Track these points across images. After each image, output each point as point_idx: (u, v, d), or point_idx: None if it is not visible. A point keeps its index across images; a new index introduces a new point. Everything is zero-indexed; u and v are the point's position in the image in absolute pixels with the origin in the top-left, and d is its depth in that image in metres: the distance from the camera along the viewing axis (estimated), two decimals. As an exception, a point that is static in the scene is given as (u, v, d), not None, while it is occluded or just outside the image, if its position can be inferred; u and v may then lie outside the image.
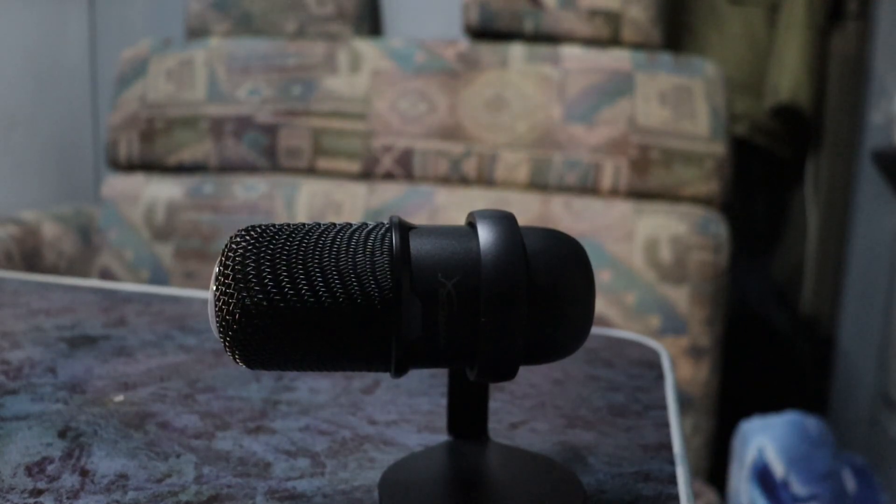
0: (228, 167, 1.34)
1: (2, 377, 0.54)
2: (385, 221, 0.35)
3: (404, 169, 1.29)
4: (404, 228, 0.34)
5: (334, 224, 0.35)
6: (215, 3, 1.40)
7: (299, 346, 0.33)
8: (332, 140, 1.31)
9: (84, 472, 0.41)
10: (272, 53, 1.34)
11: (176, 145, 1.35)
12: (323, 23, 1.38)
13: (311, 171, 1.33)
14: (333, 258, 0.33)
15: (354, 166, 1.31)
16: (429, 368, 0.35)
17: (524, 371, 0.59)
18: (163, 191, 1.33)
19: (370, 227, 0.35)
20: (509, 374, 0.34)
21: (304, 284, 0.32)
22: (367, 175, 1.32)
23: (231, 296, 0.33)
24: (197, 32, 1.42)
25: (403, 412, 0.51)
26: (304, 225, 0.34)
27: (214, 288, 0.33)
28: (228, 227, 1.28)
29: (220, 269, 0.33)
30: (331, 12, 1.38)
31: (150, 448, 0.44)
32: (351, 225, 0.35)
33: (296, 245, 0.33)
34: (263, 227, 0.34)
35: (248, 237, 0.34)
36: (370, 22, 1.45)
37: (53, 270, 1.32)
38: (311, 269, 0.33)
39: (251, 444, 0.45)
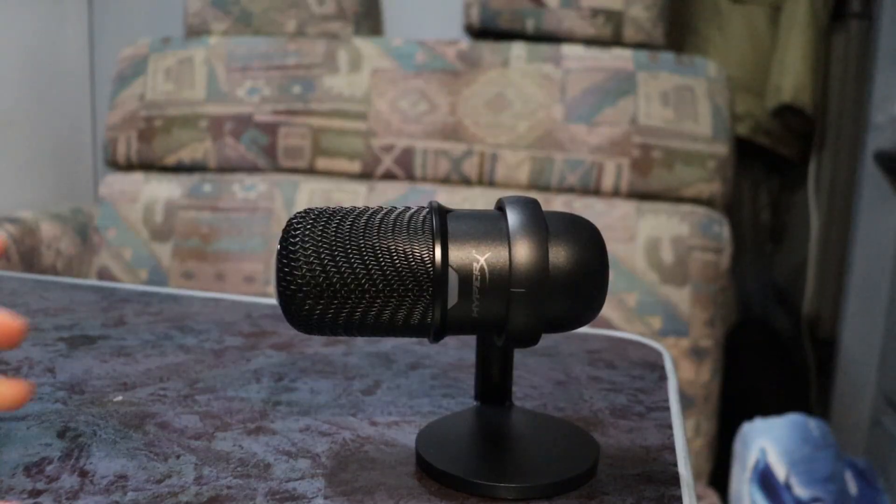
0: (227, 166, 1.33)
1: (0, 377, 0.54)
2: (425, 206, 0.40)
3: (405, 169, 1.29)
4: (443, 211, 0.39)
5: (380, 207, 0.40)
6: (215, 1, 1.40)
7: (351, 314, 0.38)
8: (332, 139, 1.30)
9: (83, 473, 0.41)
10: (272, 52, 1.34)
11: (175, 144, 1.34)
12: (323, 21, 1.38)
13: (311, 171, 1.32)
14: (380, 236, 0.38)
15: (354, 166, 1.31)
16: (461, 335, 0.39)
17: (525, 372, 0.59)
18: (161, 190, 1.33)
19: (412, 210, 0.39)
20: (533, 341, 0.38)
21: (357, 259, 0.37)
22: (367, 175, 1.31)
23: (291, 271, 0.37)
24: (196, 31, 1.41)
25: (404, 413, 0.50)
26: (353, 208, 0.39)
27: (277, 264, 0.38)
28: (227, 226, 1.27)
29: (281, 248, 0.38)
30: (331, 11, 1.37)
31: (150, 449, 0.44)
32: (394, 208, 0.40)
33: (347, 225, 0.38)
34: (319, 210, 0.39)
35: (305, 219, 0.38)
36: (370, 21, 1.45)
37: (51, 270, 1.31)
38: (361, 245, 0.37)
39: (251, 445, 0.45)
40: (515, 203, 0.39)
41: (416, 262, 0.37)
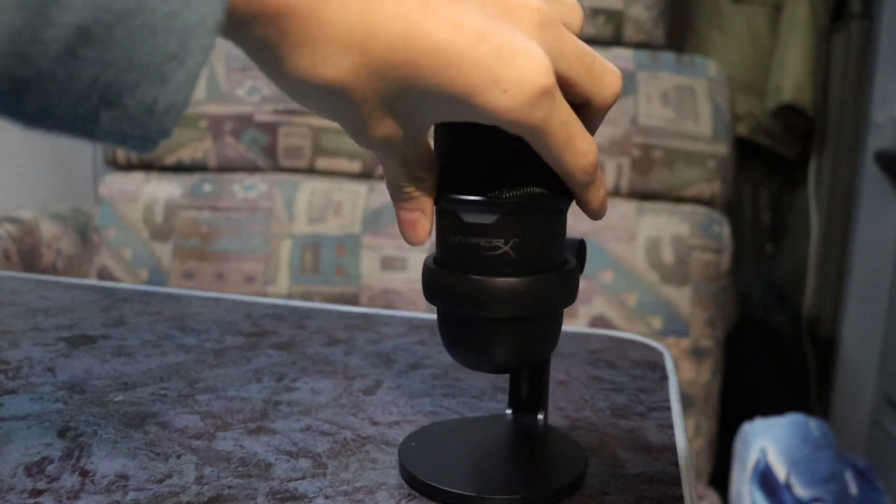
0: (227, 166, 1.33)
1: (1, 376, 0.54)
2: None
3: (405, 168, 1.28)
4: (540, 199, 0.37)
5: None
6: (215, 1, 1.39)
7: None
8: (331, 139, 1.30)
9: (84, 473, 0.41)
10: (272, 52, 1.33)
11: (175, 144, 1.34)
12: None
13: (311, 171, 1.32)
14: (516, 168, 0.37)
15: (354, 165, 1.31)
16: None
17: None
18: (161, 190, 1.33)
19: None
20: (424, 288, 0.39)
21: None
22: (367, 174, 1.31)
23: None
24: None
25: (405, 413, 0.50)
26: None
27: None
28: (227, 226, 1.27)
29: None
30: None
31: (151, 448, 0.44)
32: None
33: None
34: None
35: None
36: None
37: (51, 270, 1.31)
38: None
39: (252, 445, 0.45)
40: (565, 280, 0.38)
41: (503, 184, 0.36)
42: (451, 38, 0.30)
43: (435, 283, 0.38)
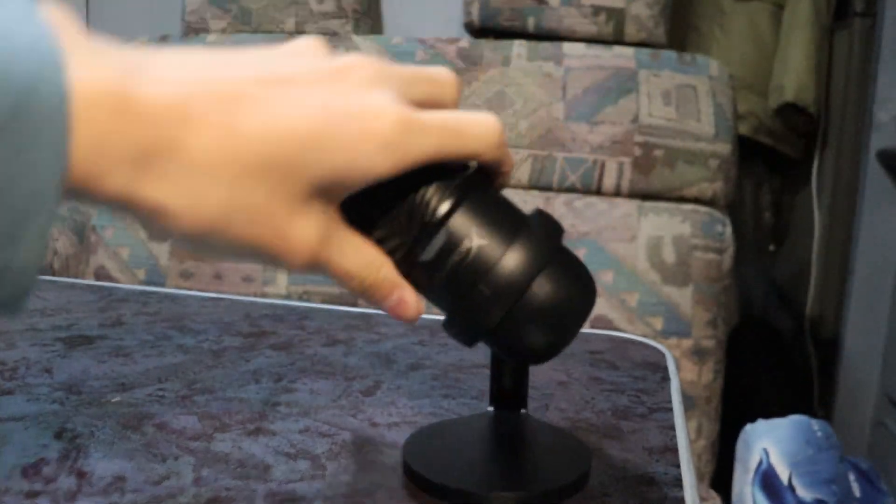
0: (228, 165, 1.33)
1: (-4, 377, 0.54)
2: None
3: (405, 168, 1.28)
4: (479, 185, 0.37)
5: None
6: None
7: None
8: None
9: (81, 474, 0.41)
10: (272, 51, 1.33)
11: (175, 143, 1.34)
12: (322, 19, 1.37)
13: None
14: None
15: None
16: (421, 294, 0.38)
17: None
18: (162, 189, 1.32)
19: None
20: (468, 342, 0.38)
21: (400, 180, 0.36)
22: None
23: None
24: (195, 29, 1.41)
25: (405, 414, 0.50)
26: None
27: None
28: (228, 225, 1.27)
29: None
30: (330, 9, 1.37)
31: (148, 450, 0.44)
32: None
33: None
34: None
35: None
36: (370, 19, 1.45)
37: (48, 270, 1.31)
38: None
39: (250, 446, 0.45)
40: (545, 221, 0.38)
41: (424, 206, 0.36)
42: (309, 121, 0.30)
43: (468, 328, 0.37)
